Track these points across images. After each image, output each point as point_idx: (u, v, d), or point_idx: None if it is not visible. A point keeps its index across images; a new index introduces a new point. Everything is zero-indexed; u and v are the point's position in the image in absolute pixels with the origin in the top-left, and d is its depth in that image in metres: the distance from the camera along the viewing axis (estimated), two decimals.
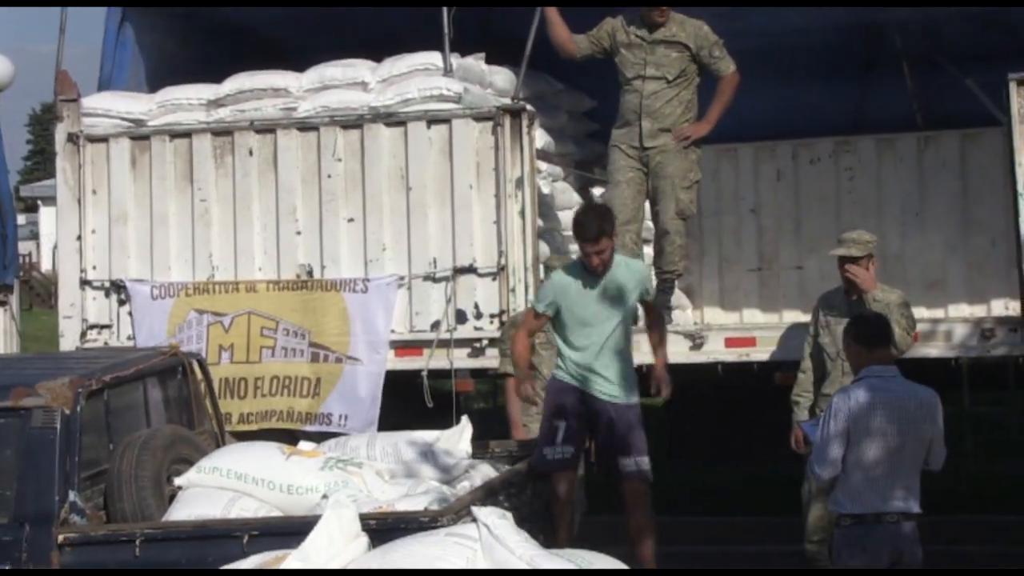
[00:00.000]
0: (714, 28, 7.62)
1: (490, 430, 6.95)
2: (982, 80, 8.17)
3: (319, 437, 6.85)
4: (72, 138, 8.06)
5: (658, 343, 6.33)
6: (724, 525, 9.05)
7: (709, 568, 7.79)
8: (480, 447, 6.29)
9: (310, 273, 7.75)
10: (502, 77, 8.17)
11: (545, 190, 8.15)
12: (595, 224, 5.90)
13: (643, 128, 7.53)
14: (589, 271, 5.98)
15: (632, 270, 6.11)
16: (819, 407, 6.79)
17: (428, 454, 5.91)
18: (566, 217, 8.64)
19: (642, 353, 7.18)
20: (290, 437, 6.89)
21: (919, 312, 7.91)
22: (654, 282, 6.21)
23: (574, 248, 8.72)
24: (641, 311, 6.37)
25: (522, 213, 7.50)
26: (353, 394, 7.50)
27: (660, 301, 7.73)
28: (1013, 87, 7.16)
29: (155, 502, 5.64)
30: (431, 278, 7.61)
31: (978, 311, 8.14)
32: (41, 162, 47.19)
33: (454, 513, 5.04)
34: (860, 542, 5.24)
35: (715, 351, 7.51)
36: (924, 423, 5.28)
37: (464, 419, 6.16)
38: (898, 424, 5.23)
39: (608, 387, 6.02)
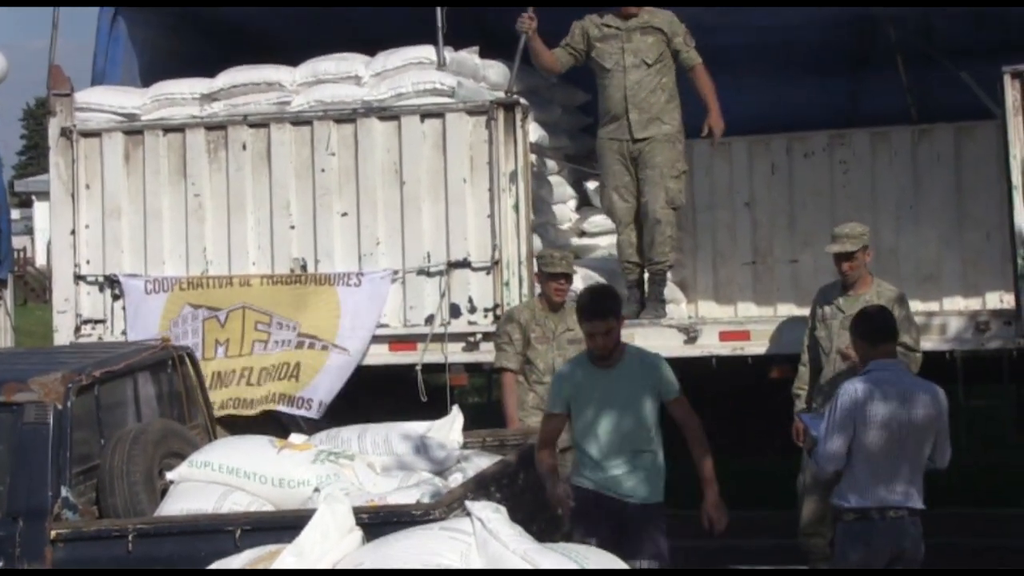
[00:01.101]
0: (706, 23, 7.63)
1: (485, 425, 6.94)
2: (976, 73, 8.16)
3: (311, 429, 6.85)
4: (65, 133, 8.04)
5: (701, 457, 5.59)
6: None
7: (706, 562, 7.79)
8: (472, 437, 6.28)
9: (304, 267, 7.74)
10: (496, 71, 8.15)
11: (538, 184, 8.13)
12: (598, 304, 5.52)
13: (631, 120, 7.56)
14: (596, 361, 5.51)
15: (646, 360, 5.60)
16: (815, 401, 6.80)
17: (419, 445, 5.90)
18: (560, 211, 8.64)
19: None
20: (282, 430, 6.89)
21: (913, 306, 7.90)
22: (675, 384, 5.59)
23: (573, 242, 8.77)
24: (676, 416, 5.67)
25: (516, 207, 7.49)
26: (335, 382, 7.48)
27: (653, 293, 7.75)
28: (1008, 80, 7.16)
29: (147, 497, 5.65)
30: (425, 272, 7.60)
31: (973, 304, 8.14)
32: (35, 157, 47.16)
33: (446, 506, 5.04)
34: (863, 537, 5.22)
35: (709, 345, 7.50)
36: (929, 418, 5.26)
37: (455, 409, 6.16)
38: (902, 418, 5.21)
39: (622, 486, 5.47)
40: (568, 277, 7.00)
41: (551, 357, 6.90)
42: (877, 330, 5.41)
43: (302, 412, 7.41)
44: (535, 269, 7.32)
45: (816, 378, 6.86)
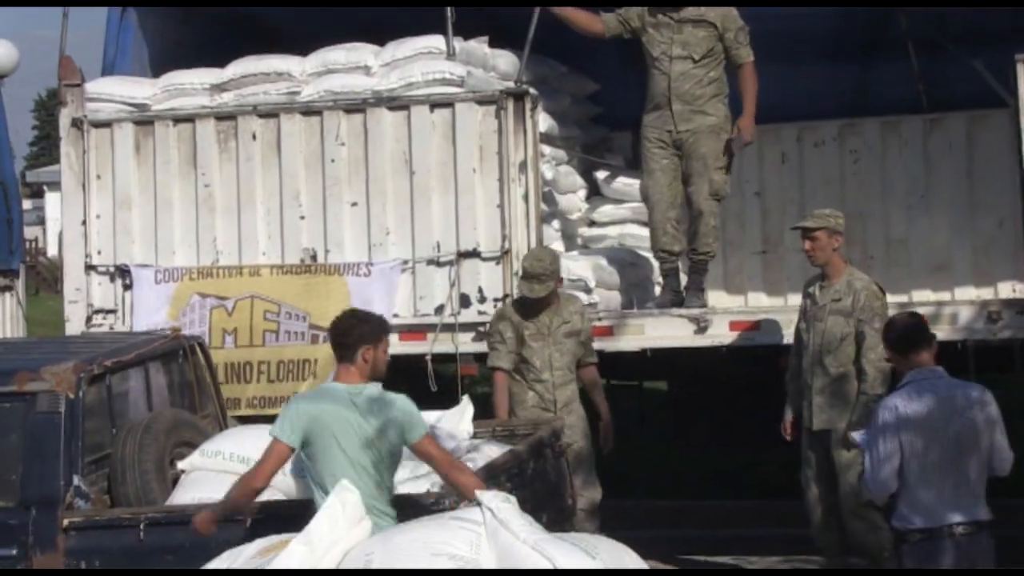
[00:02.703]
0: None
1: (494, 415, 6.95)
2: (989, 61, 8.13)
3: None
4: (76, 123, 8.05)
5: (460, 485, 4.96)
6: (728, 509, 9.05)
7: (713, 551, 7.80)
8: (482, 426, 6.29)
9: (314, 257, 7.74)
10: (505, 60, 8.14)
11: (548, 174, 8.13)
12: (357, 330, 5.11)
13: (674, 111, 7.55)
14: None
15: (387, 404, 5.02)
16: (800, 398, 6.77)
17: None
18: (570, 201, 8.64)
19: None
20: None
21: (924, 295, 7.90)
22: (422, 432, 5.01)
23: (582, 232, 8.77)
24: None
25: (526, 197, 7.48)
26: None
27: (693, 282, 7.73)
28: (1020, 68, 7.13)
29: (158, 486, 5.67)
30: (435, 262, 7.60)
31: (984, 294, 8.12)
32: (47, 147, 47.19)
33: (456, 496, 5.04)
34: (931, 557, 4.93)
35: (719, 334, 7.48)
36: (979, 421, 4.99)
37: (465, 398, 6.16)
38: (951, 427, 4.96)
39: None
40: (539, 278, 6.77)
41: (547, 353, 6.86)
42: (902, 337, 5.14)
43: None
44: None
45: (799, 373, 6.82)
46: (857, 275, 6.75)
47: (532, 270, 6.81)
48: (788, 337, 7.35)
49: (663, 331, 7.47)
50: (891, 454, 4.96)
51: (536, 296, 6.80)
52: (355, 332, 5.12)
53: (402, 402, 5.06)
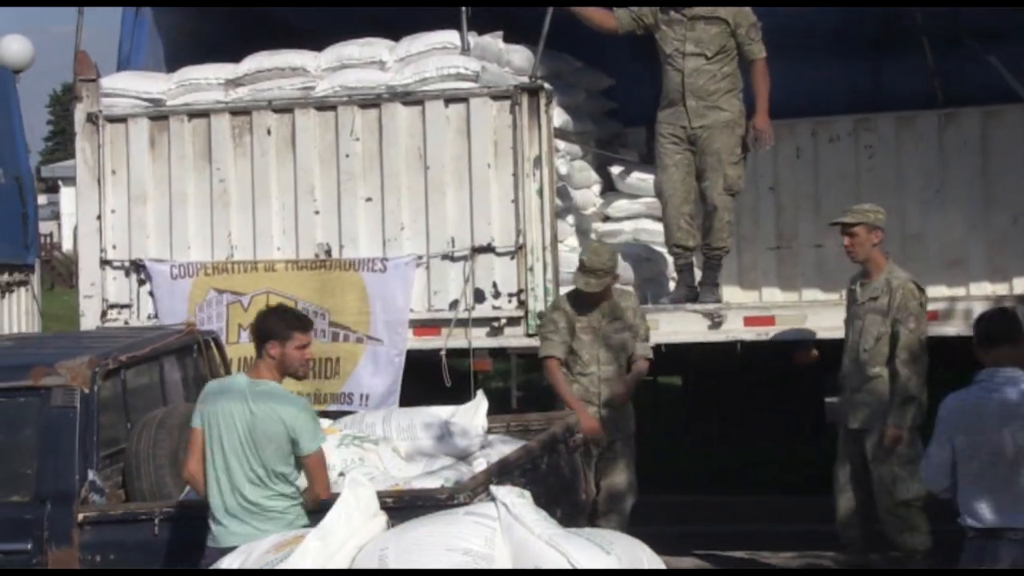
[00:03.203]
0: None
1: (508, 410, 6.96)
2: (1004, 56, 8.09)
3: (335, 413, 6.86)
4: (91, 118, 8.08)
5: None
6: (740, 505, 9.05)
7: (731, 547, 7.79)
8: (496, 422, 6.30)
9: (328, 253, 7.76)
10: (520, 56, 8.13)
11: (563, 169, 8.12)
12: (266, 325, 5.05)
13: (688, 107, 7.55)
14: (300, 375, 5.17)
15: (283, 403, 4.96)
16: (843, 395, 6.75)
17: (444, 430, 5.91)
18: (584, 196, 8.63)
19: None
20: None
21: (939, 291, 7.87)
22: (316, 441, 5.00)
23: (596, 227, 8.76)
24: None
25: (540, 192, 7.48)
26: (374, 374, 7.52)
27: (707, 278, 7.74)
28: None
29: (172, 481, 5.69)
30: (449, 257, 7.60)
31: (999, 289, 8.09)
32: (62, 142, 47.31)
33: (470, 491, 5.05)
34: (983, 556, 4.87)
35: (734, 330, 7.48)
36: None
37: (479, 394, 6.17)
38: (1010, 429, 4.85)
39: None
40: (596, 273, 6.81)
41: (595, 348, 6.87)
42: (979, 332, 5.03)
43: (344, 407, 7.42)
44: (559, 253, 7.26)
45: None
46: (896, 272, 6.72)
47: (590, 264, 6.83)
48: (803, 333, 7.35)
49: (677, 326, 7.48)
50: (941, 448, 4.93)
51: (591, 291, 6.81)
52: (263, 327, 5.09)
53: (300, 409, 5.00)
